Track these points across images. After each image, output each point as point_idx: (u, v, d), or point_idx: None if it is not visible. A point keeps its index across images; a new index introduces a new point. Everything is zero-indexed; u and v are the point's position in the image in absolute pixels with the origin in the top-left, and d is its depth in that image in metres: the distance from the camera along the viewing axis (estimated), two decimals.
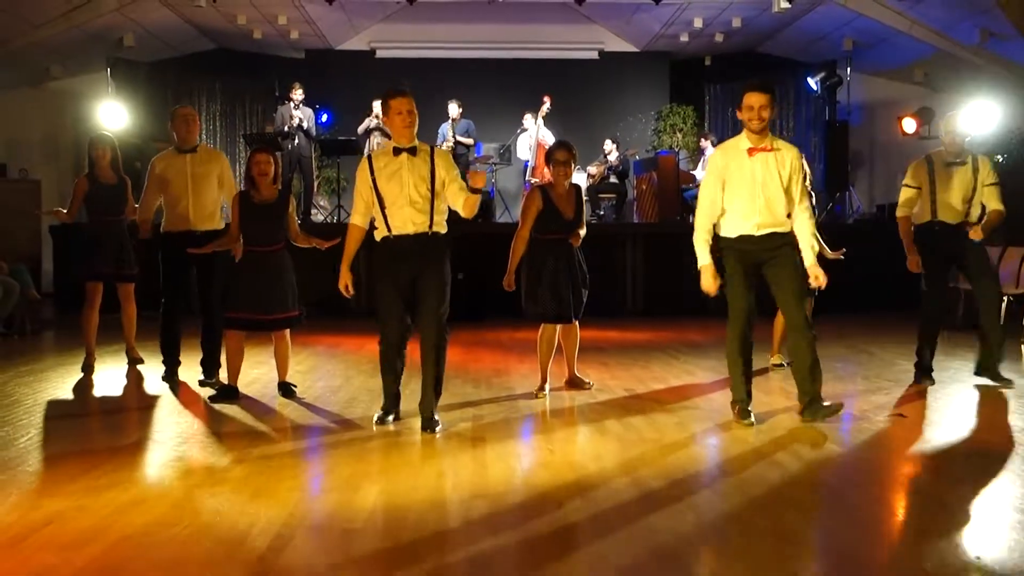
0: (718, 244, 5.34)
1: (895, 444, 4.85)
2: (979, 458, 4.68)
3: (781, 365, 7.10)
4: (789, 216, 5.24)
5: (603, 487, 4.09)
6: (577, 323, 6.29)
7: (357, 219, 5.24)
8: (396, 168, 5.06)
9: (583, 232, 6.14)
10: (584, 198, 6.25)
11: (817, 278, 5.15)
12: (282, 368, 6.19)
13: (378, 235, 5.18)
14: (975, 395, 6.38)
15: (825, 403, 5.26)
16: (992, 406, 6.10)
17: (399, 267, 5.10)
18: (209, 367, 6.54)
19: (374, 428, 5.20)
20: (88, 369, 7.10)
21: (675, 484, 4.11)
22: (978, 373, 6.61)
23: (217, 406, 5.78)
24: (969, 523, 3.58)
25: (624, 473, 4.26)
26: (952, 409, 5.89)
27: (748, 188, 5.17)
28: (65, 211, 7.05)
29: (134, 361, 7.44)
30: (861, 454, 4.65)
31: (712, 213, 5.28)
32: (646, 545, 3.30)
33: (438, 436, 5.00)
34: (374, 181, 5.08)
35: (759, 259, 5.24)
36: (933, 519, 3.57)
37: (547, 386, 6.28)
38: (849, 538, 3.29)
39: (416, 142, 5.11)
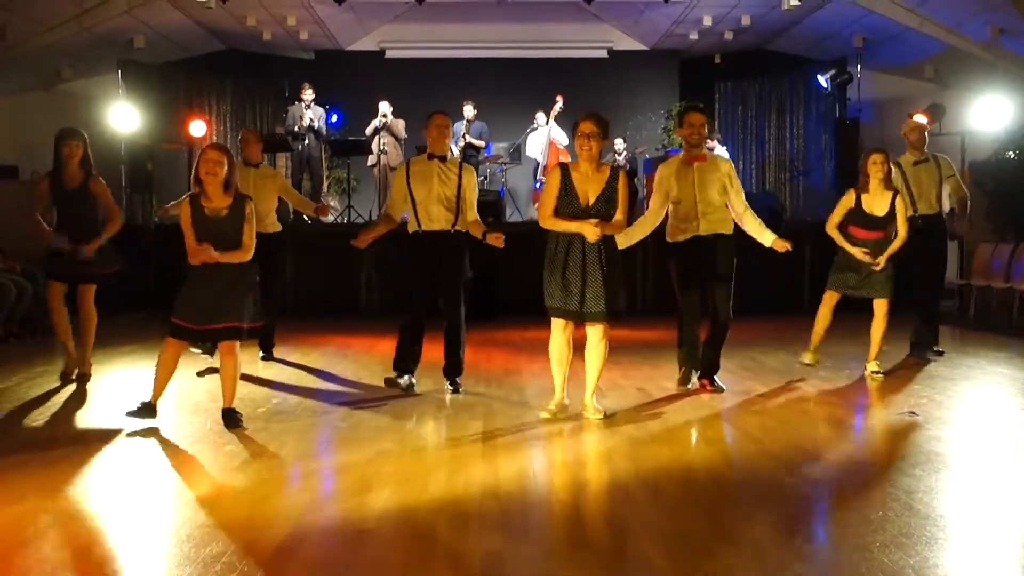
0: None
1: (905, 441, 4.84)
2: (988, 453, 4.68)
3: (879, 372, 6.65)
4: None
5: (615, 485, 4.10)
6: (602, 331, 5.29)
7: (390, 211, 6.11)
8: (428, 172, 5.88)
9: (617, 221, 5.18)
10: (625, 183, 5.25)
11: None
12: (227, 391, 5.21)
13: (410, 228, 6.01)
14: (985, 391, 6.36)
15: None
16: (1002, 402, 6.09)
17: (427, 258, 5.93)
18: (268, 347, 7.79)
19: (384, 385, 6.03)
20: (64, 377, 6.63)
21: (686, 482, 4.11)
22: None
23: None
24: (979, 518, 3.57)
25: (635, 471, 4.26)
26: (963, 406, 5.88)
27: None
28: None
29: (77, 375, 6.66)
30: (872, 452, 4.64)
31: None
32: (659, 543, 3.31)
33: (451, 431, 5.05)
34: (408, 181, 5.90)
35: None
36: (942, 515, 3.56)
37: (559, 401, 5.40)
38: (861, 534, 3.29)
39: (448, 152, 6.00)
